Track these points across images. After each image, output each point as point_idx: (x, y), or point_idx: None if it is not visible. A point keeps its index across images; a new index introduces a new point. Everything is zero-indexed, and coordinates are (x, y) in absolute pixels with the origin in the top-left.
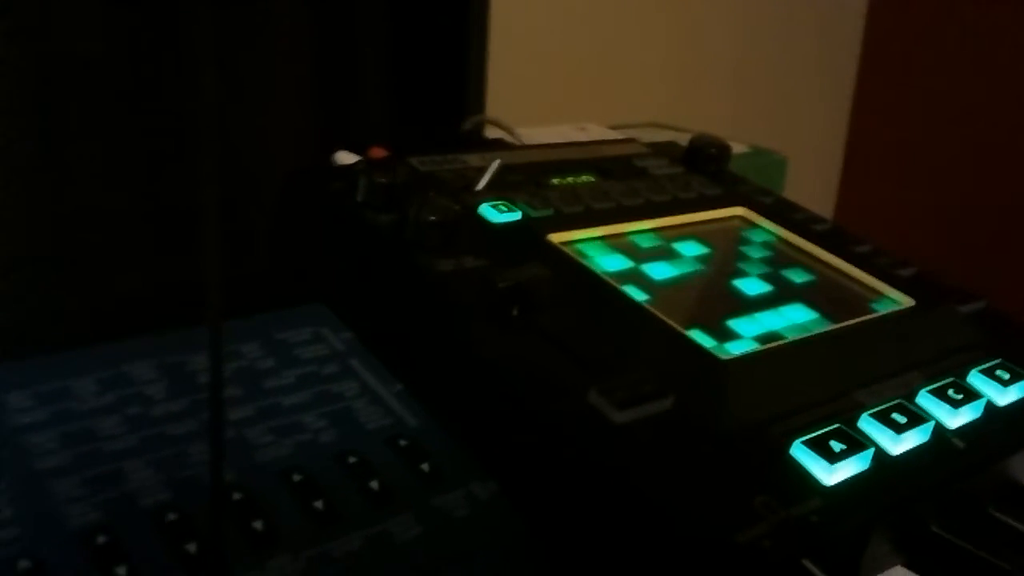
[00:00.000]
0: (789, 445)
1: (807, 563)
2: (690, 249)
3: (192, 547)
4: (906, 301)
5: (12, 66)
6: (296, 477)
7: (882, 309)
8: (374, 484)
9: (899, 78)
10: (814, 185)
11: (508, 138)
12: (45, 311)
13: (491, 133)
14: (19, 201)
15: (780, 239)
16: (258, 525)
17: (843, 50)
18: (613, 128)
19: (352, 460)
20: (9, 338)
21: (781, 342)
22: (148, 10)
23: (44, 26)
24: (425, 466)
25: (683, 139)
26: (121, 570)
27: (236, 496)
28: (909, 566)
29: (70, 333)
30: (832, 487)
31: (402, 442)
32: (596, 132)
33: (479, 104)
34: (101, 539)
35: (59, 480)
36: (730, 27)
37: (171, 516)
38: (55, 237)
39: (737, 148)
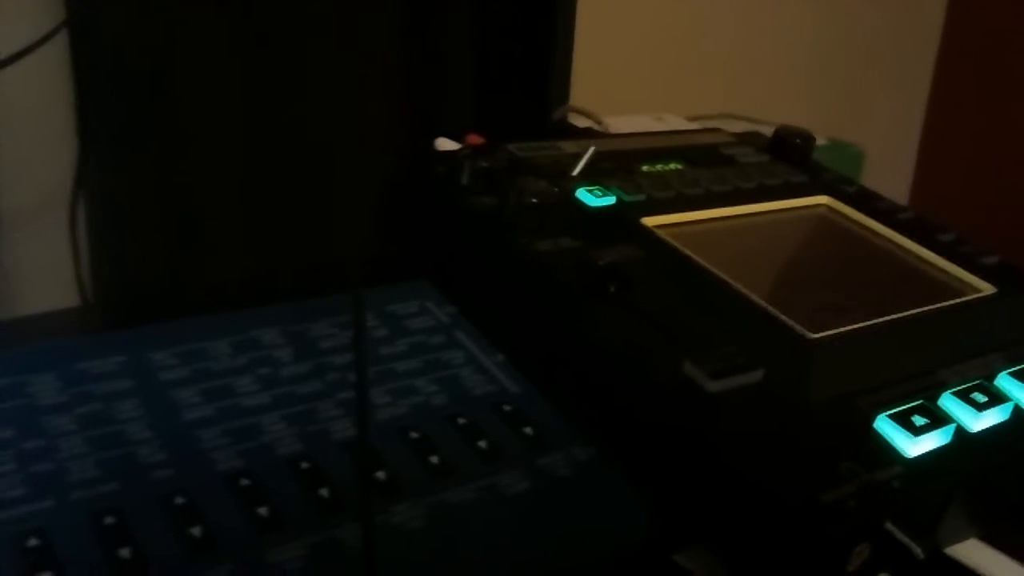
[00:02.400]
0: (874, 418)
1: (890, 525)
2: (779, 234)
3: (325, 491)
4: (988, 288)
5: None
6: (413, 434)
7: (965, 295)
8: (482, 443)
9: (976, 72)
10: (889, 178)
11: (595, 127)
12: (180, 282)
13: (575, 121)
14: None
15: (864, 227)
16: (381, 475)
17: (920, 43)
18: (688, 119)
19: (461, 421)
20: (150, 305)
21: (867, 323)
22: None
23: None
24: (528, 429)
25: (759, 130)
26: (263, 510)
27: None
28: (984, 539)
29: (201, 302)
30: (914, 458)
31: (506, 407)
32: (673, 122)
33: (563, 94)
34: (244, 482)
35: (204, 430)
36: (804, 19)
37: (304, 464)
38: (185, 222)
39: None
